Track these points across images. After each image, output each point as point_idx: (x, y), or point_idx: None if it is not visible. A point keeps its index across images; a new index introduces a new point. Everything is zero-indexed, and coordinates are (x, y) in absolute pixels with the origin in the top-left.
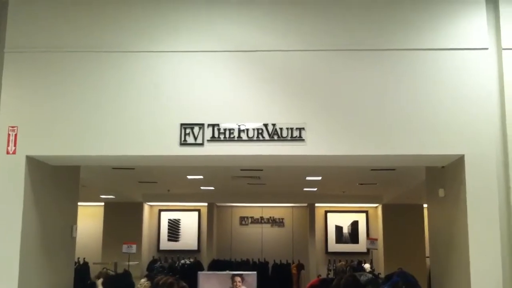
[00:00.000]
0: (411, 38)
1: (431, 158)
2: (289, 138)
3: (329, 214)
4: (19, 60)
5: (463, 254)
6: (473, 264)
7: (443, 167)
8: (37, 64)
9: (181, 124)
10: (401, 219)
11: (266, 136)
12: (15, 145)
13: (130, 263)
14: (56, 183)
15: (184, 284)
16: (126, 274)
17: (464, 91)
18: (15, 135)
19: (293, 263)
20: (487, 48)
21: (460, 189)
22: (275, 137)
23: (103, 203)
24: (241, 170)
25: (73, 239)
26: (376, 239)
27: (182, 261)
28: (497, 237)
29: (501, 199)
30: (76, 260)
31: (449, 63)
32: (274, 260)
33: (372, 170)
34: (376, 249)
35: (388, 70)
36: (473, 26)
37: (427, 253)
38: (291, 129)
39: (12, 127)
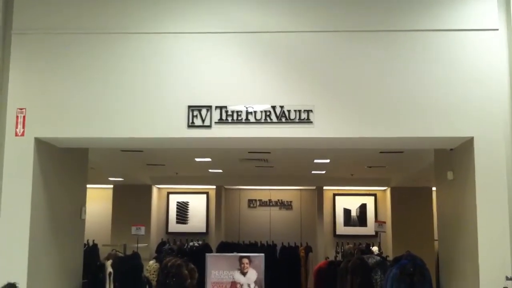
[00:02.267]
0: (421, 19)
1: (440, 140)
2: (297, 120)
3: (337, 197)
4: (27, 42)
5: (472, 237)
6: (482, 247)
7: (452, 149)
8: (45, 46)
9: (189, 106)
10: (409, 202)
11: (274, 118)
12: (23, 127)
13: (139, 245)
14: (64, 165)
15: (193, 266)
16: (135, 256)
17: (474, 72)
18: (24, 117)
19: (301, 245)
20: (497, 29)
21: (469, 171)
22: (283, 119)
23: (111, 186)
24: (249, 152)
25: (82, 221)
26: (384, 222)
27: (191, 244)
28: (506, 220)
29: (510, 182)
30: (85, 242)
31: (459, 44)
32: (282, 243)
33: (380, 152)
34: (384, 232)
35: (397, 51)
36: (483, 7)
37: (435, 236)
38: (299, 111)
39: (21, 109)
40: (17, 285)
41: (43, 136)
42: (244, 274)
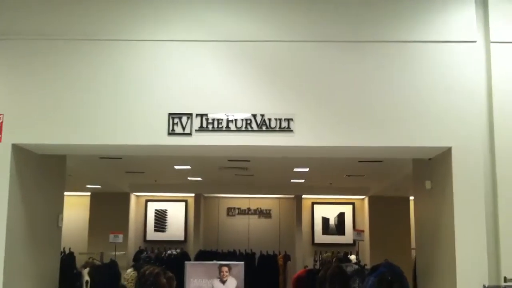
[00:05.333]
0: (400, 30)
1: (418, 150)
2: (277, 129)
3: (316, 206)
4: (5, 47)
5: (449, 246)
6: (459, 256)
7: (430, 159)
8: (23, 52)
9: (169, 114)
10: (387, 211)
11: (255, 127)
12: (0, 133)
13: (117, 253)
14: (42, 172)
15: (171, 274)
16: (113, 264)
17: (452, 83)
18: (1, 123)
19: (280, 254)
20: (475, 41)
21: (447, 181)
22: (264, 128)
23: (89, 193)
24: (229, 160)
25: (59, 228)
26: (363, 231)
27: (169, 252)
28: (483, 230)
29: (488, 192)
30: (61, 250)
31: (437, 55)
32: (261, 251)
33: (359, 162)
34: (363, 240)
35: (376, 62)
36: (462, 19)
37: (413, 245)
38: (280, 119)
39: None
40: None
41: (21, 142)
42: (223, 282)
